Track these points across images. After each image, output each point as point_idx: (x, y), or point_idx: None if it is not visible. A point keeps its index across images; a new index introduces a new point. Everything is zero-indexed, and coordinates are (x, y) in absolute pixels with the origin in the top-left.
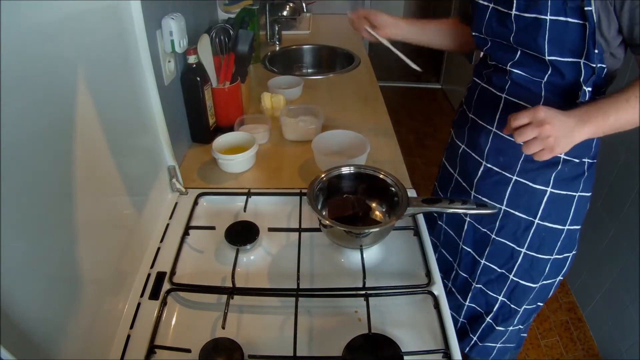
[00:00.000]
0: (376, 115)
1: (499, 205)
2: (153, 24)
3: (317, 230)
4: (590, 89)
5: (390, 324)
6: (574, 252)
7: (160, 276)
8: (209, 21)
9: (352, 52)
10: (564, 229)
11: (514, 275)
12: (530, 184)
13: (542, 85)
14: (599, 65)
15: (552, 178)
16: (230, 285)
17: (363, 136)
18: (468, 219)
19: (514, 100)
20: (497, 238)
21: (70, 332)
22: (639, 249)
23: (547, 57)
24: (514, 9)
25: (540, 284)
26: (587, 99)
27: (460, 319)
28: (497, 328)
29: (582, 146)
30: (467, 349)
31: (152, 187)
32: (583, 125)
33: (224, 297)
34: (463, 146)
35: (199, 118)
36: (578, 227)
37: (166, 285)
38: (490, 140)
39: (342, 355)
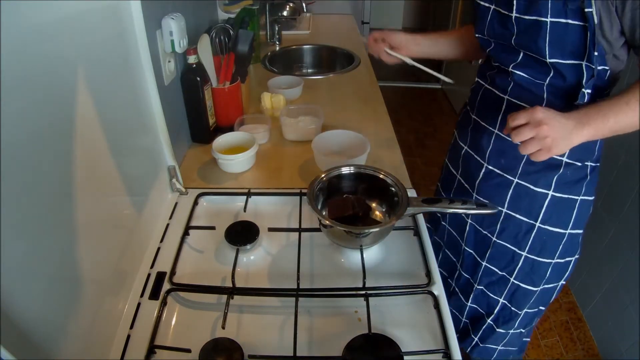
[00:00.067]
0: (376, 115)
1: (499, 207)
2: (153, 24)
3: (317, 230)
4: (589, 91)
5: (390, 324)
6: (576, 257)
7: (160, 276)
8: (209, 21)
9: (352, 52)
10: (565, 232)
11: (514, 278)
12: (532, 187)
13: (544, 87)
14: (601, 67)
15: (553, 181)
16: (230, 285)
17: (363, 136)
18: (470, 220)
19: (516, 102)
20: (498, 241)
21: (70, 332)
22: (639, 249)
23: (548, 60)
24: (514, 11)
25: (541, 287)
26: (585, 101)
27: (463, 319)
28: (497, 330)
29: (585, 149)
30: (469, 349)
31: (152, 187)
32: (582, 127)
33: (224, 297)
34: (465, 147)
35: (199, 118)
36: (580, 231)
37: (166, 285)
38: (492, 141)
39: (342, 355)
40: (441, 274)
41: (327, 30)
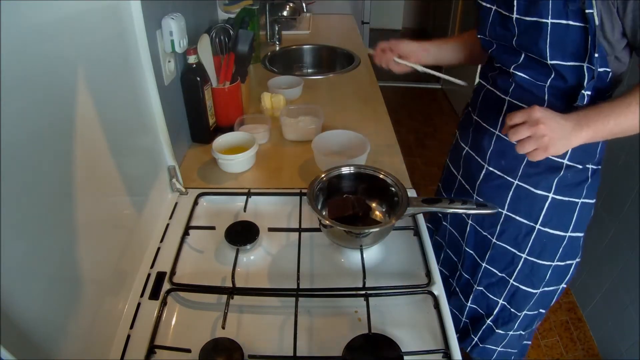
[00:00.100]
0: (376, 115)
1: (499, 208)
2: (153, 24)
3: (317, 230)
4: (589, 92)
5: (390, 324)
6: (577, 260)
7: (160, 276)
8: (209, 21)
9: (352, 52)
10: (565, 235)
11: (514, 280)
12: (532, 189)
13: (545, 89)
14: (603, 69)
15: (554, 184)
16: (230, 285)
17: (363, 136)
18: (470, 221)
19: (518, 103)
20: (497, 242)
21: (70, 332)
22: (639, 249)
23: (549, 61)
24: (514, 12)
25: (541, 290)
26: (585, 102)
27: (463, 319)
28: (497, 331)
29: (586, 152)
30: (469, 349)
31: (152, 187)
32: (581, 129)
33: (224, 297)
34: (467, 148)
35: (199, 118)
36: (581, 234)
37: (166, 285)
38: (493, 142)
39: (342, 355)
40: (442, 273)
41: (327, 30)
